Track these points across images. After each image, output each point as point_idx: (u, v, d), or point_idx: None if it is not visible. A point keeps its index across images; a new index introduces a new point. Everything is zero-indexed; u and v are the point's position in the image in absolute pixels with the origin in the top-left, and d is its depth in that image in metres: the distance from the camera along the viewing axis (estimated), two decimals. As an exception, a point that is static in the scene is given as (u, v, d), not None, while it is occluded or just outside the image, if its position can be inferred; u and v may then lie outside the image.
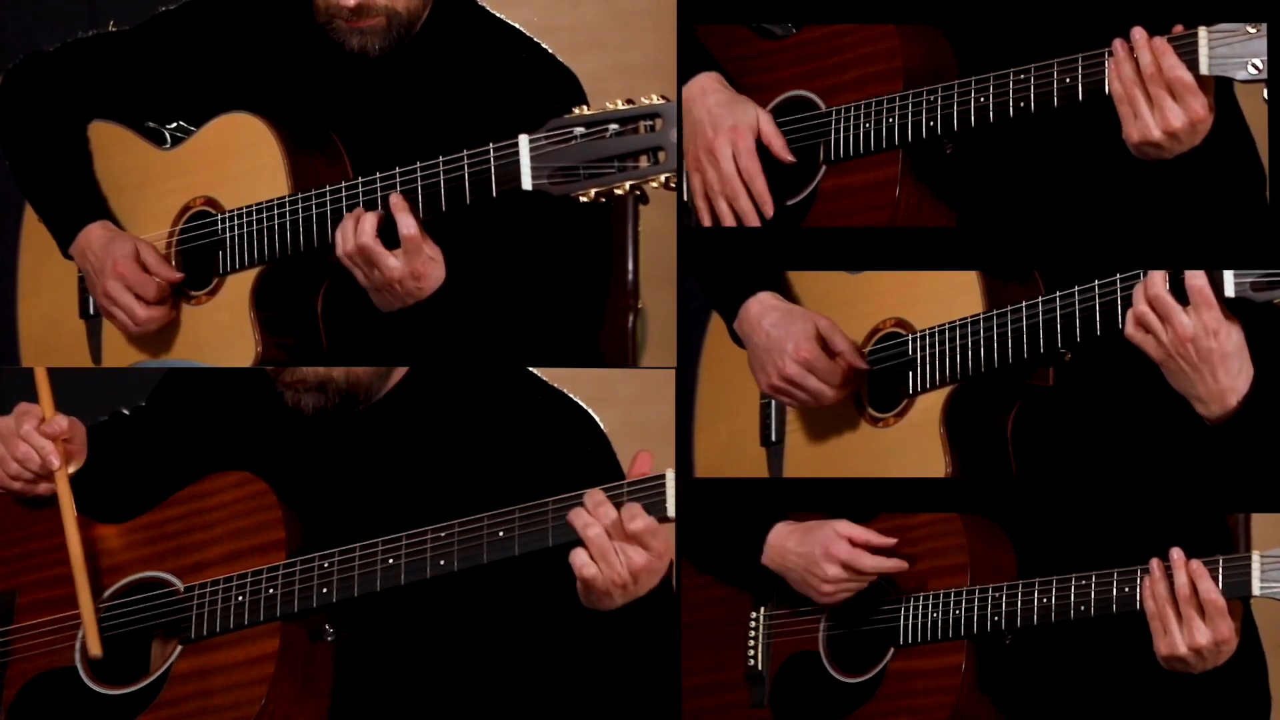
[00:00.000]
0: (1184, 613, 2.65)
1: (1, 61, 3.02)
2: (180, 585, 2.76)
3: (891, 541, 2.81)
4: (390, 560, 2.68)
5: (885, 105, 2.82)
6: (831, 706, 2.85)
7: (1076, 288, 2.71)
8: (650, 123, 2.68)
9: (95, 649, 2.75)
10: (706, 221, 2.89)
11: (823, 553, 2.82)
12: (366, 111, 2.91)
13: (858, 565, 2.81)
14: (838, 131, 2.86)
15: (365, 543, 2.69)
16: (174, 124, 2.97)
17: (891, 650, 2.82)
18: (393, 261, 2.73)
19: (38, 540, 2.83)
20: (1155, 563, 2.67)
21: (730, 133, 2.86)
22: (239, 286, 2.87)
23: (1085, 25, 2.74)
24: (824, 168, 2.87)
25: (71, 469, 2.81)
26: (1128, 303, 2.66)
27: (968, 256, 2.81)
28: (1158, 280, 2.63)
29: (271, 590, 2.70)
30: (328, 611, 2.70)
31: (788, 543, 2.85)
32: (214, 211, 2.89)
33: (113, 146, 2.97)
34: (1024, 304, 2.75)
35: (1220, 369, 2.63)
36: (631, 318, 3.09)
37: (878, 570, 2.81)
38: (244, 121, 2.89)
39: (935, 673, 2.79)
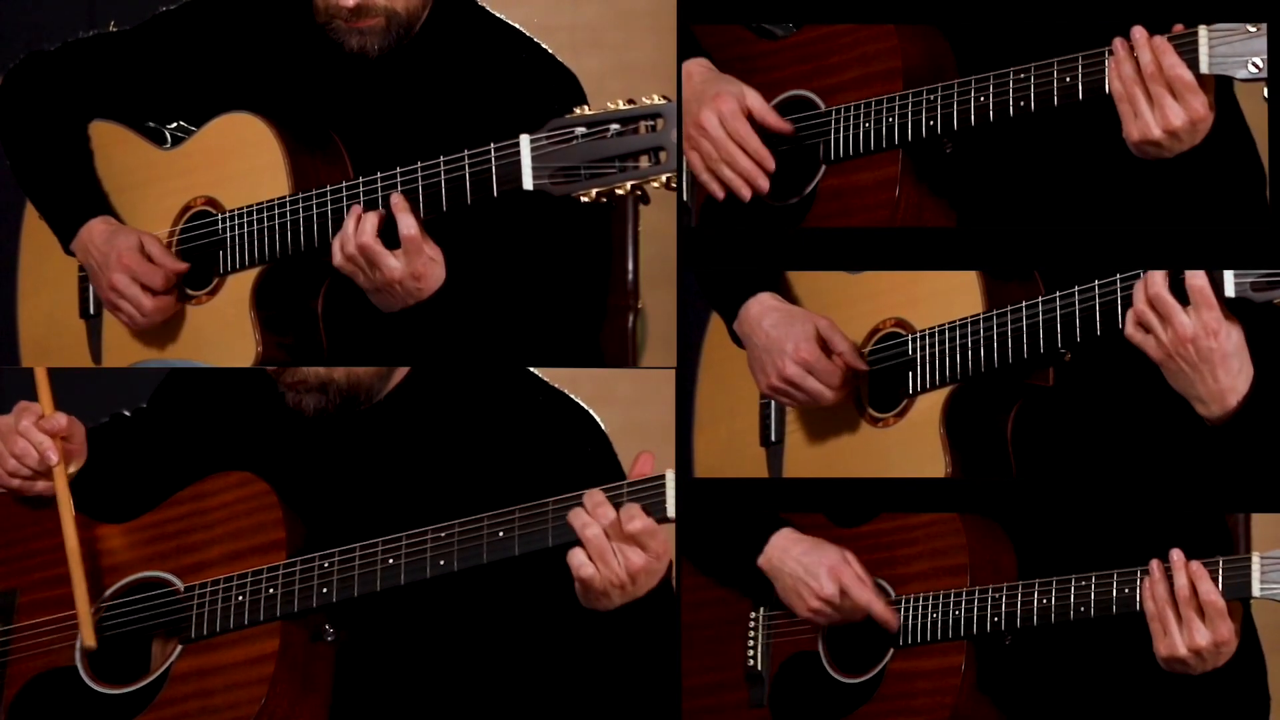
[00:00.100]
0: (1184, 614, 2.65)
1: (2, 61, 3.02)
2: (180, 585, 2.76)
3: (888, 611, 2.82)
4: (390, 560, 2.68)
5: (885, 105, 2.82)
6: (831, 707, 2.85)
7: (1076, 288, 2.71)
8: (651, 123, 2.68)
9: (89, 640, 2.74)
10: (719, 194, 2.87)
11: (828, 569, 2.82)
12: (367, 112, 2.91)
13: (853, 592, 2.81)
14: (837, 131, 2.86)
15: (365, 543, 2.69)
16: (174, 124, 2.98)
17: (891, 650, 2.82)
18: (393, 262, 2.74)
19: (38, 540, 2.83)
20: (1155, 564, 2.67)
21: (714, 101, 2.85)
22: (239, 286, 2.87)
23: (1085, 24, 2.74)
24: (824, 167, 2.87)
25: (71, 469, 2.81)
26: (1128, 303, 2.66)
27: (968, 256, 2.81)
28: (1158, 280, 2.63)
29: (272, 590, 2.70)
30: (328, 611, 2.70)
31: (793, 548, 2.85)
32: (214, 211, 2.90)
33: (113, 146, 2.97)
34: (1024, 304, 2.75)
35: (1220, 369, 2.62)
36: (631, 318, 3.09)
37: (867, 606, 2.81)
38: (244, 121, 2.89)
39: (935, 673, 2.79)
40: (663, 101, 2.68)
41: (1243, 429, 2.65)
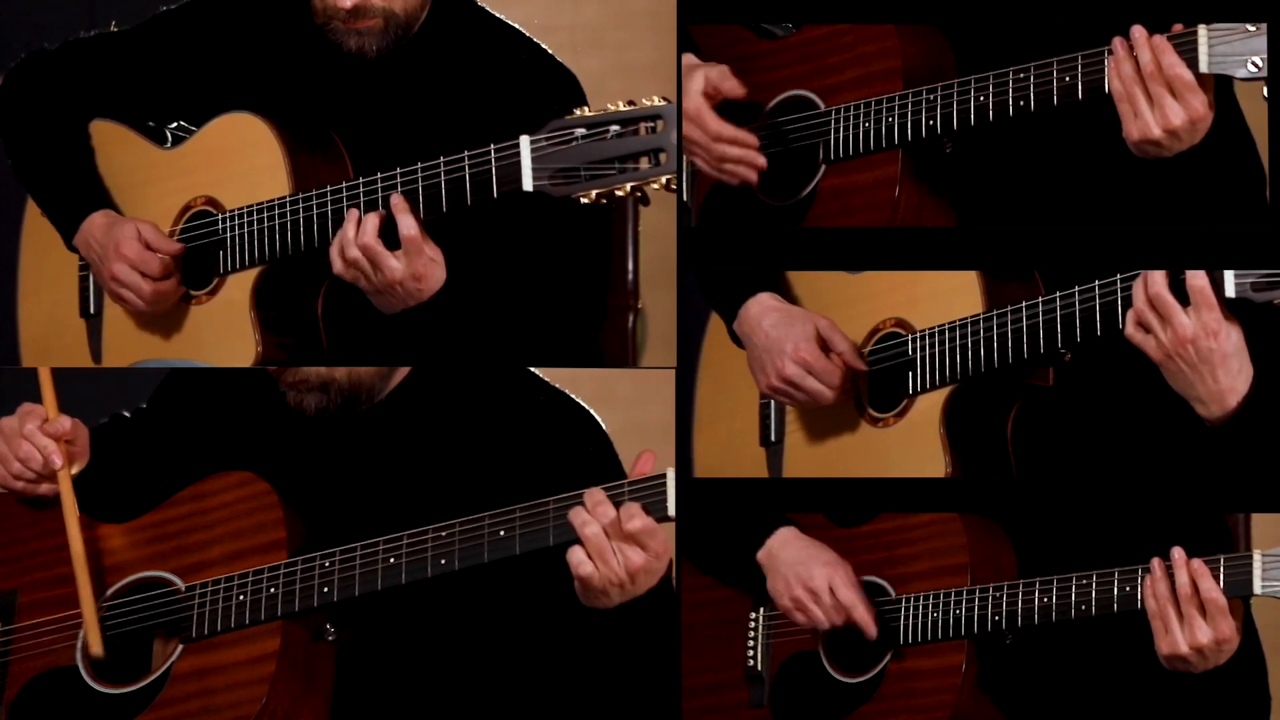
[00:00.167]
0: (1185, 612, 2.65)
1: (2, 61, 3.02)
2: (182, 584, 2.76)
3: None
4: (391, 559, 2.68)
5: (885, 105, 2.82)
6: (831, 706, 2.85)
7: (1076, 288, 2.71)
8: (651, 124, 2.68)
9: (97, 649, 2.75)
10: (734, 182, 2.89)
11: (822, 564, 2.83)
12: (367, 112, 2.91)
13: (840, 592, 2.81)
14: (837, 131, 2.86)
15: (366, 542, 2.69)
16: (175, 123, 2.98)
17: (891, 650, 2.82)
18: (394, 263, 2.73)
19: (39, 540, 2.83)
20: (1156, 562, 2.67)
21: (694, 99, 2.86)
22: (239, 286, 2.87)
23: (1085, 24, 2.74)
24: (824, 167, 2.88)
25: (74, 470, 2.81)
26: (1128, 303, 2.66)
27: (968, 256, 2.81)
28: (1158, 279, 2.63)
29: (273, 589, 2.70)
30: (329, 611, 2.70)
31: (794, 541, 2.86)
32: (215, 211, 2.90)
33: (114, 146, 2.97)
34: (1024, 304, 2.75)
35: (1220, 369, 2.63)
36: (631, 318, 3.09)
37: (850, 607, 2.81)
38: (245, 121, 2.89)
39: (935, 673, 2.79)
40: (663, 103, 2.68)
41: (1242, 429, 2.65)
